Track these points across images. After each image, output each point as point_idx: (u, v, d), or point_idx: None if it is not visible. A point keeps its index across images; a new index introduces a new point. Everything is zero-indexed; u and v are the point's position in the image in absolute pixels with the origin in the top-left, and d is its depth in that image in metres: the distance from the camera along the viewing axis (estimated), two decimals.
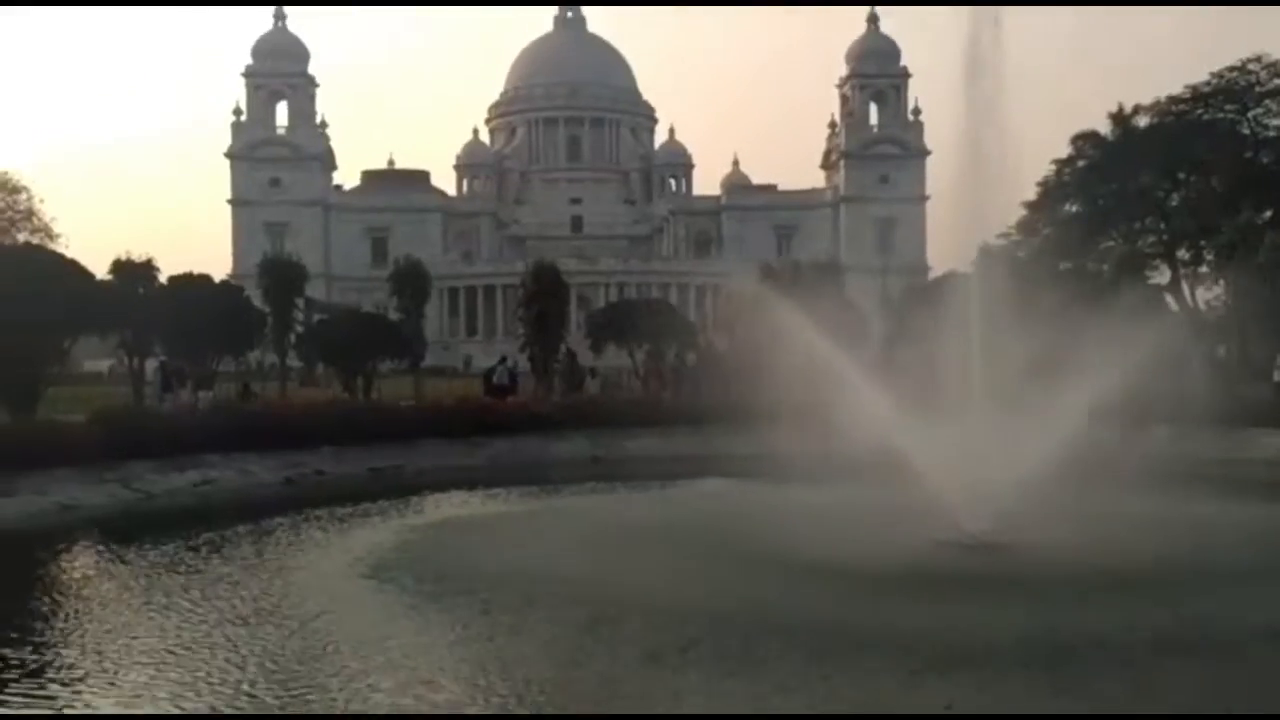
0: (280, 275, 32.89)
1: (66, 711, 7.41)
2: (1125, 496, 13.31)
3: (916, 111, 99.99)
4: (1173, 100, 56.47)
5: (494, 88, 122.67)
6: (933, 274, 68.80)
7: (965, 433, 12.50)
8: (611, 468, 22.39)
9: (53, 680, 8.04)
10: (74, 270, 23.40)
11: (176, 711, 7.23)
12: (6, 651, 8.73)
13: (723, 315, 38.75)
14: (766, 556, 11.17)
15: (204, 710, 7.24)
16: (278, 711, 7.23)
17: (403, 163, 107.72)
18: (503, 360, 31.42)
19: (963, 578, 10.45)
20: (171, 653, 8.60)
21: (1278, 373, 27.49)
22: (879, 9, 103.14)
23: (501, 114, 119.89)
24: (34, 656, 8.67)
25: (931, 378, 13.92)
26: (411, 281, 35.33)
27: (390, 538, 13.78)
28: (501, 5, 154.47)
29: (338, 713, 7.01)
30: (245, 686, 7.65)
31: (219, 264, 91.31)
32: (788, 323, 14.58)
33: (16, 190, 60.91)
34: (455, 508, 17.51)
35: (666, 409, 26.49)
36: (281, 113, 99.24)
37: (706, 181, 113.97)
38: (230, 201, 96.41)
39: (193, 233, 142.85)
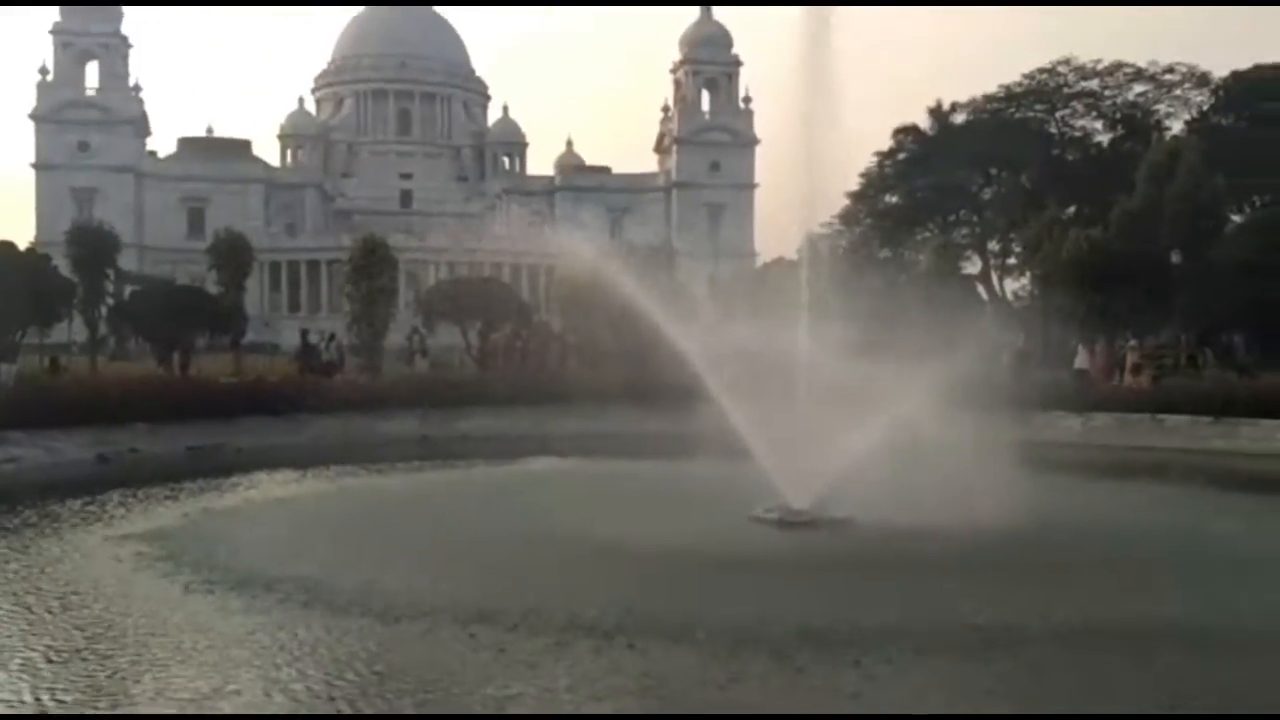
0: (90, 244, 31.23)
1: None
2: (935, 477, 13.93)
3: (747, 100, 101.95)
4: (988, 99, 59.46)
5: (321, 57, 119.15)
6: (760, 260, 70.52)
7: (791, 414, 12.84)
8: (441, 446, 22.18)
9: None
10: None
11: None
12: None
13: (555, 295, 38.72)
14: (569, 537, 11.11)
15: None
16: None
17: (223, 131, 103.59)
18: (332, 338, 30.69)
19: (774, 556, 10.77)
20: None
21: (1078, 359, 29.31)
22: None
23: (328, 84, 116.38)
24: None
25: (760, 361, 14.21)
26: (232, 255, 34.05)
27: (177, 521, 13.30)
28: None
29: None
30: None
31: (21, 231, 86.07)
32: (621, 303, 14.80)
33: None
34: (264, 488, 16.89)
35: (500, 388, 26.38)
36: (92, 74, 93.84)
37: (541, 161, 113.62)
38: (34, 165, 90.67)
39: None
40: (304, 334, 30.70)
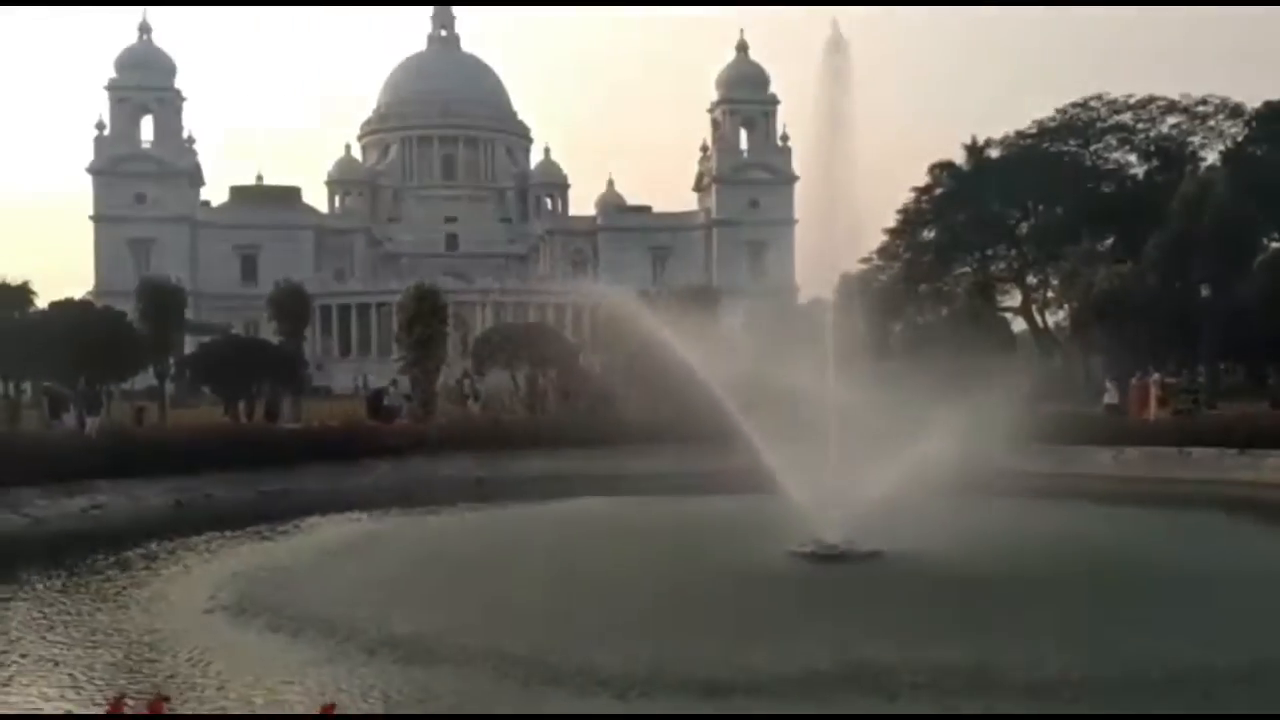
0: (159, 298, 32.75)
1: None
2: (969, 510, 14.49)
3: (785, 138, 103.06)
4: (1020, 134, 60.13)
5: (367, 105, 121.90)
6: (801, 296, 71.23)
7: (823, 452, 13.53)
8: (496, 488, 23.11)
9: None
10: None
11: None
12: None
13: (600, 337, 39.85)
14: (616, 576, 11.73)
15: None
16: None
17: (272, 179, 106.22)
18: (393, 383, 31.95)
19: (811, 586, 11.45)
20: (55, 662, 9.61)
21: (1107, 395, 29.84)
22: (747, 34, 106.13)
23: (374, 131, 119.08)
24: None
25: (796, 399, 14.89)
26: (291, 304, 35.47)
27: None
28: (375, 4, 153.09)
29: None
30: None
31: (82, 279, 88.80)
32: (664, 346, 15.27)
33: None
34: (330, 531, 17.69)
35: (549, 431, 27.41)
36: (147, 127, 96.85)
37: (582, 202, 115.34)
38: (93, 218, 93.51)
39: (54, 248, 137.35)
40: (378, 392, 31.99)
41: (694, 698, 8.11)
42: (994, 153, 60.68)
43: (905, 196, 62.32)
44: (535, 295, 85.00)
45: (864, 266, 56.96)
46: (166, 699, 2.81)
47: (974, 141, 61.10)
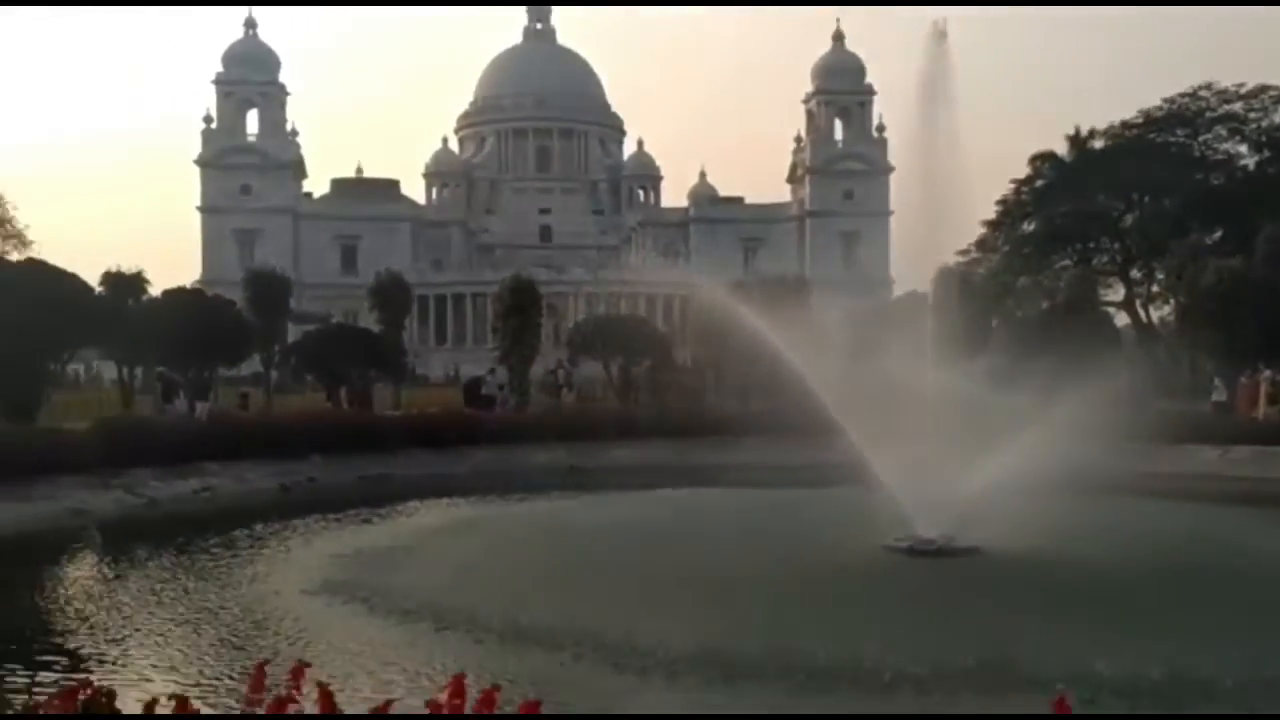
0: (266, 287, 33.75)
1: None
2: (1071, 506, 14.27)
3: (881, 128, 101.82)
4: (1126, 125, 58.47)
5: (464, 97, 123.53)
6: (897, 288, 70.47)
7: (921, 445, 13.43)
8: (588, 476, 23.44)
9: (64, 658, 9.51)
10: (72, 283, 24.27)
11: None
12: (40, 637, 10.23)
13: (691, 329, 39.94)
14: (707, 566, 11.74)
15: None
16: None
17: (371, 171, 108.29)
18: (491, 372, 32.50)
19: (906, 581, 11.37)
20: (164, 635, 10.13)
21: (1215, 392, 29.02)
22: (843, 25, 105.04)
23: (471, 124, 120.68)
24: (57, 640, 10.14)
25: (892, 392, 14.79)
26: (392, 294, 36.26)
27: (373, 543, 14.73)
28: (473, 4, 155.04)
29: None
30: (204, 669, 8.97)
31: (187, 268, 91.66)
32: (756, 337, 15.30)
33: None
34: (429, 516, 18.19)
35: (643, 420, 27.63)
36: (252, 120, 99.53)
37: (674, 193, 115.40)
38: (200, 209, 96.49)
39: (158, 237, 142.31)
40: (475, 381, 32.58)
41: (803, 689, 8.08)
42: (1098, 143, 59.10)
43: (1005, 188, 61.07)
44: (627, 286, 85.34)
45: (962, 259, 56.00)
46: (307, 665, 2.96)
47: (1077, 132, 59.63)
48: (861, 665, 8.28)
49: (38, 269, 24.03)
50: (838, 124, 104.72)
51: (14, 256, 44.33)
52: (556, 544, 14.04)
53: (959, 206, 16.37)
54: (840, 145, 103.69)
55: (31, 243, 56.62)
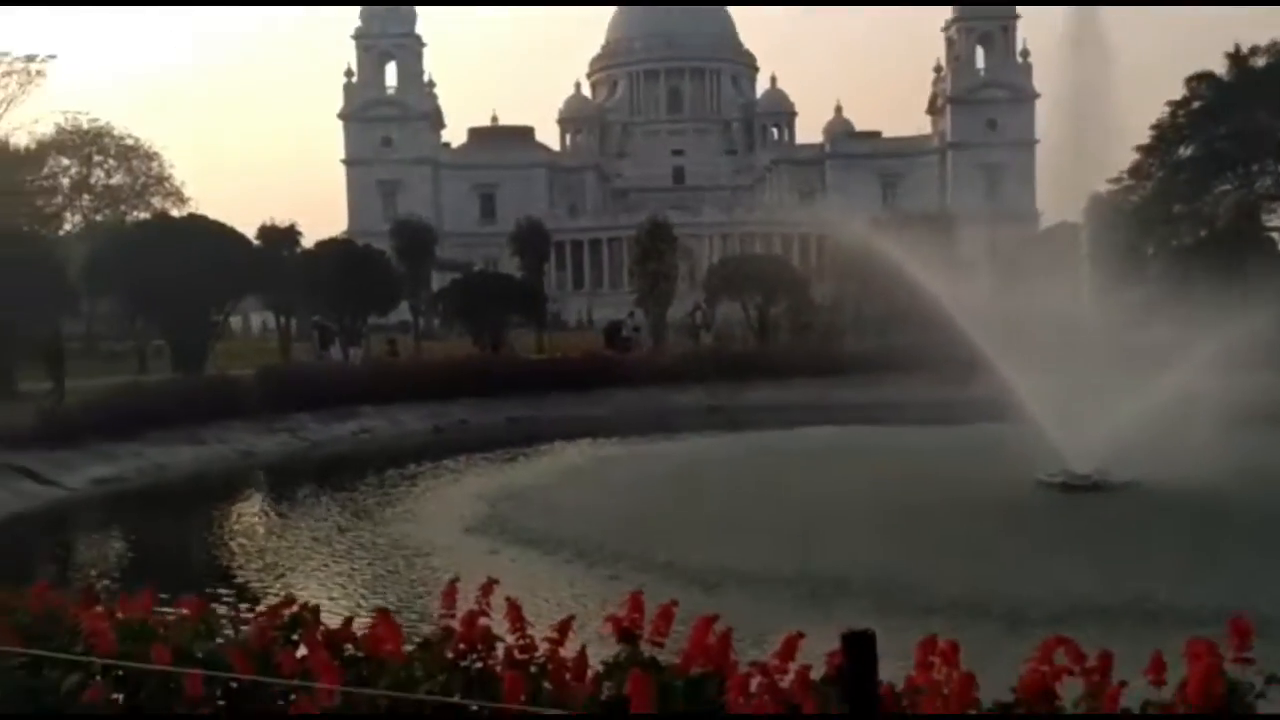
0: (411, 237, 34.71)
1: None
2: (1234, 440, 13.62)
3: (1025, 54, 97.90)
4: None
5: (595, 42, 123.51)
6: (1043, 220, 68.09)
7: (1073, 379, 13.12)
8: (728, 416, 23.57)
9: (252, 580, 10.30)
10: (233, 238, 25.42)
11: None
12: (218, 569, 11.04)
13: (829, 267, 39.53)
14: (865, 502, 11.78)
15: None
16: None
17: (506, 119, 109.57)
18: (630, 315, 32.86)
19: (1063, 516, 11.24)
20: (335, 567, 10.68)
21: None
22: None
23: (602, 67, 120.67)
24: (233, 573, 10.92)
25: (1044, 325, 14.42)
26: (532, 241, 36.87)
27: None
28: None
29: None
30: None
31: (335, 221, 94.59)
32: (898, 273, 15.07)
33: (149, 157, 63.87)
34: (579, 453, 18.77)
35: (782, 360, 27.57)
36: (390, 74, 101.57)
37: (809, 130, 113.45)
38: (344, 161, 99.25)
39: (306, 191, 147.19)
40: (615, 324, 33.05)
41: (989, 621, 7.88)
42: (1260, 61, 55.59)
43: (1160, 111, 58.09)
44: (762, 226, 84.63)
45: (1114, 187, 53.67)
46: (495, 581, 3.16)
47: (1237, 49, 56.13)
48: (1026, 599, 8.18)
49: (200, 224, 25.28)
50: (979, 51, 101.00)
51: (174, 213, 46.46)
52: (702, 483, 14.23)
53: (1111, 132, 15.83)
54: (982, 73, 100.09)
55: (189, 199, 59.28)
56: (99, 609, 3.39)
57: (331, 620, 3.26)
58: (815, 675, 2.64)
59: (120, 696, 3.00)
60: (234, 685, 2.90)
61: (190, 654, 3.01)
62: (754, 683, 2.60)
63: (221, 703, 2.91)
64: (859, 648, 2.00)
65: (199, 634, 3.17)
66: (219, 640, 3.15)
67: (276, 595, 9.63)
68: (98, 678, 2.97)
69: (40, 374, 23.40)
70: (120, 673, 2.99)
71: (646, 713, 2.52)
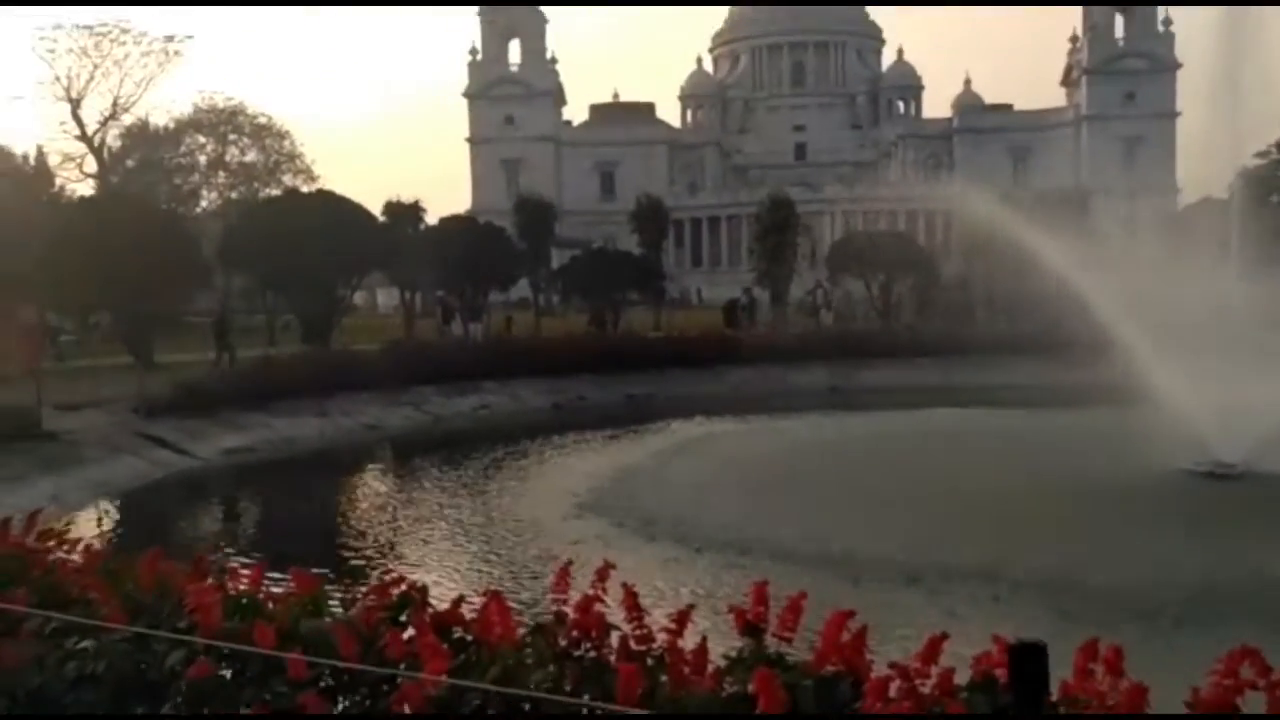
0: (533, 214, 34.92)
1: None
2: None
3: (1167, 21, 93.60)
4: None
5: (719, 16, 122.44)
6: (1183, 196, 65.25)
7: (1222, 363, 12.47)
8: (848, 397, 23.15)
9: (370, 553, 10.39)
10: (359, 213, 25.88)
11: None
12: (341, 540, 11.19)
13: (957, 244, 38.46)
14: (1000, 489, 11.32)
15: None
16: None
17: (627, 96, 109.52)
18: (747, 292, 32.54)
19: (1214, 506, 10.68)
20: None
21: None
22: None
23: (725, 42, 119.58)
24: (356, 544, 11.05)
25: (1185, 309, 13.78)
26: (651, 218, 36.76)
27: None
28: None
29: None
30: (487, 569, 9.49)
31: (459, 199, 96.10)
32: (1029, 251, 14.66)
33: (281, 136, 65.65)
34: (695, 432, 18.54)
35: (905, 340, 26.97)
36: (513, 51, 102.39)
37: (936, 103, 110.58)
38: (469, 140, 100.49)
39: (431, 169, 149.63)
40: (733, 302, 32.77)
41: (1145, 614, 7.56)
42: None
43: None
44: (886, 203, 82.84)
45: (1261, 161, 51.01)
46: (612, 566, 2.99)
47: None
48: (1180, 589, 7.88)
49: (328, 199, 25.82)
50: (1118, 19, 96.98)
51: (304, 190, 47.62)
52: (823, 465, 13.95)
53: (1259, 103, 15.06)
54: (1121, 43, 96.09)
55: (318, 177, 60.79)
56: (210, 581, 3.33)
57: (441, 601, 3.14)
58: (960, 679, 2.42)
59: (230, 673, 2.92)
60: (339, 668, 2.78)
61: (295, 632, 2.91)
62: (893, 686, 2.37)
63: (325, 684, 2.81)
64: (1029, 661, 1.75)
65: (306, 611, 3.07)
66: (326, 619, 3.05)
67: (390, 571, 9.80)
68: (204, 654, 2.89)
69: (174, 347, 24.27)
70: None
71: (776, 713, 2.31)
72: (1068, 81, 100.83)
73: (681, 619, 2.75)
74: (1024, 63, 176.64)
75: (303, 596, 3.16)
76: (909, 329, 29.64)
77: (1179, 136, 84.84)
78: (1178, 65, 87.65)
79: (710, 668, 2.60)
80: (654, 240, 36.25)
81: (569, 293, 35.32)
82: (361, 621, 2.95)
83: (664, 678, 2.60)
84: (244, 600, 3.18)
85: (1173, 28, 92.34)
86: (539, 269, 34.40)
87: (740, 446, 16.13)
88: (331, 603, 3.28)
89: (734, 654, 2.63)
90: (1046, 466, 12.18)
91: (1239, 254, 14.71)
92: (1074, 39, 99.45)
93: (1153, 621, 7.24)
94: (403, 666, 2.74)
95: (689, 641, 2.68)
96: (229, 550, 10.16)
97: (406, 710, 2.62)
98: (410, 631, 2.88)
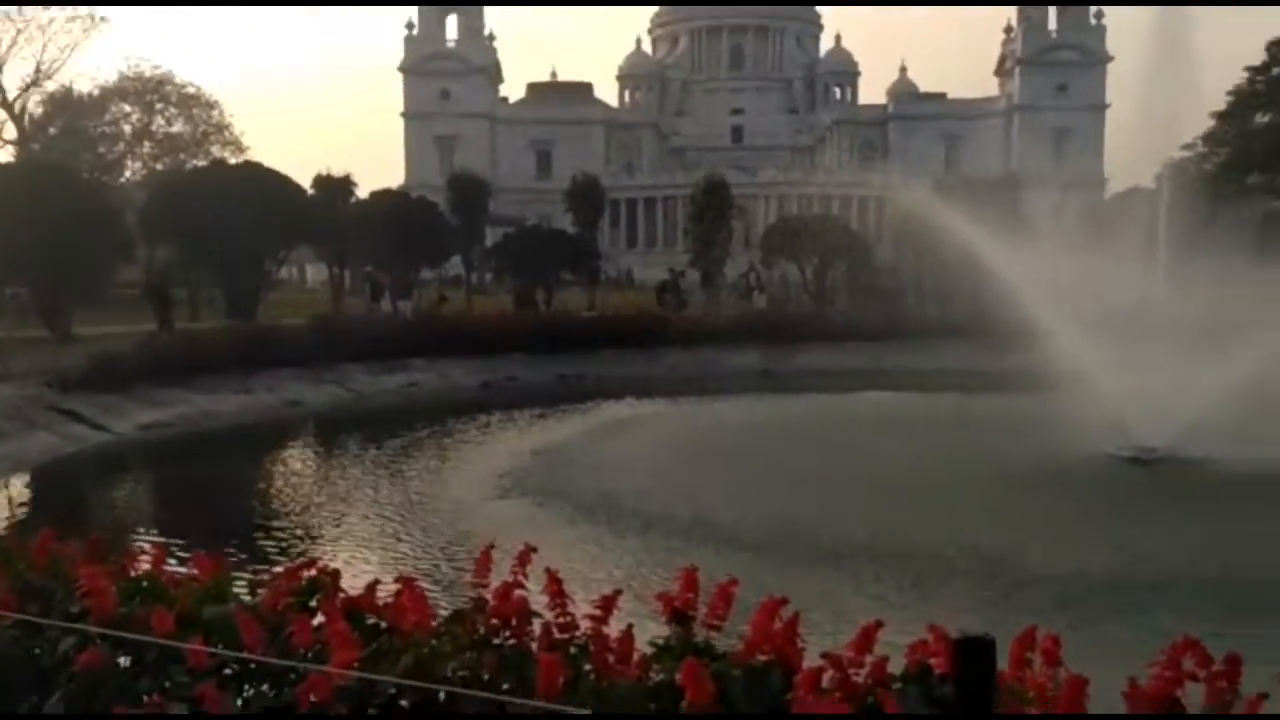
0: (466, 190, 34.47)
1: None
2: None
3: (1099, 14, 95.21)
4: None
5: None
6: (1110, 187, 66.49)
7: (1146, 351, 12.65)
8: (780, 380, 23.21)
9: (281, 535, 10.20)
10: (286, 185, 25.31)
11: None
12: (259, 520, 11.00)
13: (889, 230, 38.75)
14: (930, 470, 11.41)
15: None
16: None
17: (566, 75, 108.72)
18: (681, 274, 32.46)
19: (1137, 489, 10.87)
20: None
21: None
22: None
23: (664, 23, 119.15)
24: (274, 523, 10.83)
25: (1110, 297, 13.98)
26: (587, 198, 36.50)
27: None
28: None
29: None
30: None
31: (391, 175, 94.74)
32: (959, 238, 14.76)
33: (210, 106, 64.16)
34: (625, 412, 18.47)
35: (838, 324, 27.11)
36: (451, 26, 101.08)
37: (872, 91, 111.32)
38: (403, 115, 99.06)
39: (363, 144, 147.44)
40: (665, 283, 32.59)
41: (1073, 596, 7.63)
42: None
43: (1237, 77, 56.17)
44: (820, 187, 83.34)
45: (1187, 154, 52.10)
46: (533, 549, 2.86)
47: None
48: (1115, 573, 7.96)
49: (255, 171, 25.22)
50: (1051, 12, 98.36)
51: (231, 162, 46.62)
52: (755, 446, 13.91)
53: (1186, 97, 15.32)
54: (1054, 35, 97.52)
55: (247, 149, 59.50)
56: (107, 564, 3.14)
57: (354, 587, 2.98)
58: (894, 668, 2.32)
59: (126, 661, 2.73)
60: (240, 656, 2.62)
61: (196, 618, 2.74)
62: (826, 676, 2.27)
63: (228, 671, 2.64)
64: (976, 656, 1.65)
65: (209, 596, 2.90)
66: (231, 604, 2.87)
67: (303, 554, 9.54)
68: (97, 641, 2.71)
69: (95, 319, 23.54)
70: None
71: (704, 705, 2.19)
72: (1001, 71, 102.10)
73: (607, 605, 2.62)
74: (959, 52, 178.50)
75: (206, 581, 2.98)
76: (841, 313, 29.84)
77: (1108, 128, 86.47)
78: (1109, 58, 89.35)
79: (636, 656, 2.49)
80: (589, 220, 36.04)
81: (502, 271, 34.98)
82: (267, 608, 2.79)
83: (587, 667, 2.48)
84: (144, 584, 3.00)
85: (1104, 21, 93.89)
86: (472, 246, 34.01)
87: (670, 428, 16.07)
88: (239, 587, 3.10)
89: (661, 642, 2.52)
90: (975, 450, 12.28)
91: (1165, 244, 14.94)
92: (1008, 30, 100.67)
93: (1076, 608, 7.25)
94: (311, 655, 2.59)
95: (614, 629, 2.56)
96: (140, 530, 9.84)
97: (314, 700, 2.47)
98: (320, 619, 2.72)
